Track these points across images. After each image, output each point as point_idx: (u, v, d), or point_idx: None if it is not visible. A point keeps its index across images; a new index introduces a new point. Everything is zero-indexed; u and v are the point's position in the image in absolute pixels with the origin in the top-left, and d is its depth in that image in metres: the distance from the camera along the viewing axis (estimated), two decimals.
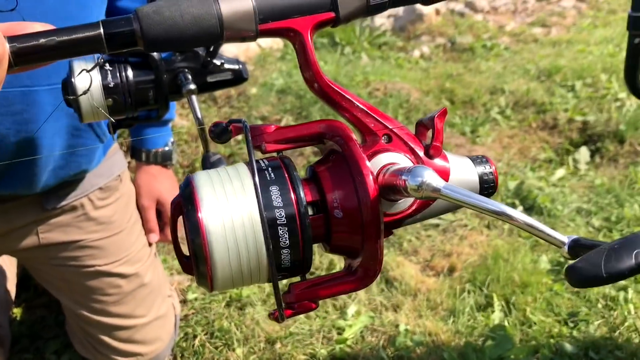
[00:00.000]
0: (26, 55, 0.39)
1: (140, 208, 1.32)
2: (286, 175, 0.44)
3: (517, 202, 2.00)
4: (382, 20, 4.08)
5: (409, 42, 3.81)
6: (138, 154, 1.32)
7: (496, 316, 1.50)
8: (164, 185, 1.33)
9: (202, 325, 1.57)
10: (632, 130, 2.40)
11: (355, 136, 0.47)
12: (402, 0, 0.47)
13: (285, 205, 0.43)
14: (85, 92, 0.52)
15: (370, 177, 0.44)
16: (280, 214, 0.43)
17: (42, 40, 0.40)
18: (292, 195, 0.43)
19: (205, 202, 0.42)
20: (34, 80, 0.91)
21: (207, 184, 0.43)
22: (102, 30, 0.40)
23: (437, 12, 4.10)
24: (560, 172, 2.22)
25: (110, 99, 0.71)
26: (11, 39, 0.39)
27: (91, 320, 1.27)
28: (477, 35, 3.88)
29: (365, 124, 0.48)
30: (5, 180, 1.01)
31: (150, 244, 1.33)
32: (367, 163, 0.44)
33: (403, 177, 0.41)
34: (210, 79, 0.78)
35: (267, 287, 1.67)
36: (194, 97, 0.73)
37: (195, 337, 1.53)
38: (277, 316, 0.46)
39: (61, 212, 1.17)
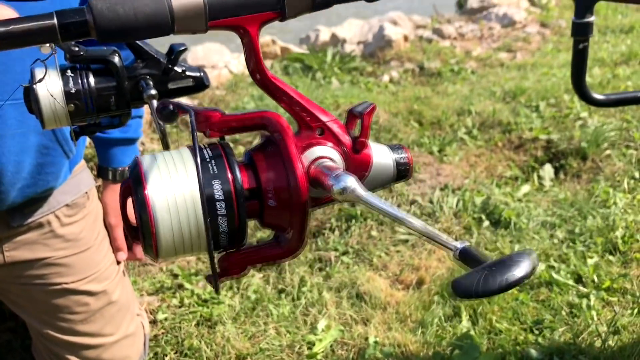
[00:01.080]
0: None
1: (107, 226, 1.32)
2: (225, 158, 0.48)
3: (483, 216, 2.04)
4: (352, 46, 4.16)
5: (379, 67, 3.89)
6: (105, 172, 1.32)
7: (464, 326, 1.52)
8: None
9: (172, 344, 1.56)
10: (594, 147, 2.48)
11: (293, 126, 0.52)
12: None
13: (223, 183, 0.47)
14: (40, 80, 0.54)
15: (303, 176, 0.49)
16: (219, 191, 0.47)
17: None
18: (230, 176, 0.48)
19: (151, 180, 0.46)
20: None
21: (153, 165, 0.47)
22: (55, 20, 0.42)
23: (406, 38, 4.20)
24: (526, 188, 2.28)
25: (72, 105, 0.72)
26: None
27: (58, 340, 1.25)
28: (444, 60, 3.98)
29: (302, 117, 0.52)
30: None
31: (118, 262, 1.33)
32: (300, 158, 0.49)
33: (330, 182, 0.46)
34: (171, 85, 0.80)
35: (237, 306, 1.68)
36: (154, 102, 0.75)
37: (165, 356, 1.52)
38: (212, 284, 0.50)
39: (27, 230, 1.16)
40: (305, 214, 0.50)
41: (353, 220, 2.02)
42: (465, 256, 0.43)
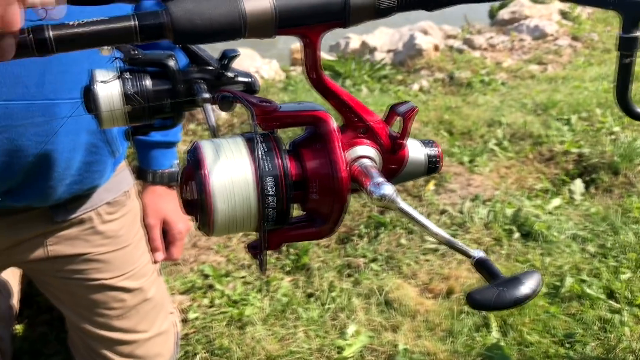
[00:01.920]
0: (65, 41, 0.44)
1: (146, 226, 1.34)
2: (277, 151, 0.53)
3: (514, 228, 2.03)
4: (382, 54, 4.18)
5: (409, 76, 3.89)
6: (144, 174, 1.35)
7: (494, 336, 1.52)
8: (169, 205, 1.36)
9: (203, 343, 1.58)
10: (626, 162, 2.45)
11: (339, 122, 0.57)
12: (408, 5, 0.52)
13: (274, 173, 0.52)
14: (104, 82, 0.57)
15: (347, 178, 0.53)
16: (270, 180, 0.52)
17: (80, 29, 0.44)
18: (280, 167, 0.52)
19: (209, 162, 0.50)
20: (57, 94, 0.95)
21: (211, 148, 0.52)
22: (135, 22, 0.44)
23: (436, 47, 4.20)
24: (556, 201, 2.26)
25: (129, 106, 0.75)
26: (54, 26, 0.43)
27: (94, 334, 1.28)
28: (475, 71, 3.97)
29: (349, 116, 0.57)
30: (22, 193, 1.04)
31: (155, 262, 1.35)
32: (345, 159, 0.54)
33: (371, 188, 0.51)
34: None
35: (267, 308, 1.69)
36: (208, 106, 0.77)
37: (195, 354, 1.54)
38: (258, 258, 0.55)
39: (70, 225, 1.19)
40: (344, 209, 0.55)
41: (382, 228, 2.02)
42: (481, 266, 0.50)
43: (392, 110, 0.58)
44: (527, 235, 1.99)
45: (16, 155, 0.96)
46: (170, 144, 1.35)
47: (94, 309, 1.25)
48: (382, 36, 4.43)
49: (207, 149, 0.52)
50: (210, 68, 0.82)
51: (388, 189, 0.51)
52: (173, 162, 1.37)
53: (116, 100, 0.75)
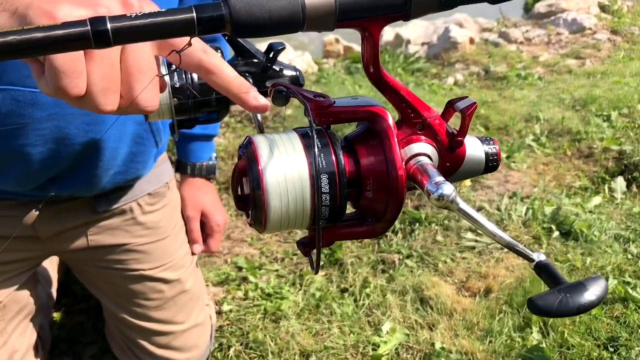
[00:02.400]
0: (124, 33, 0.43)
1: (185, 218, 1.35)
2: (331, 147, 0.52)
3: (553, 226, 1.98)
4: (416, 47, 4.13)
5: (443, 69, 3.84)
6: (183, 167, 1.36)
7: (534, 337, 1.49)
8: (208, 197, 1.37)
9: (237, 336, 1.58)
10: None
11: (395, 116, 0.55)
12: None
13: (329, 170, 0.51)
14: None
15: (403, 177, 0.52)
16: (325, 177, 0.50)
17: (139, 21, 0.43)
18: (335, 164, 0.51)
19: (264, 158, 0.50)
20: None
21: (265, 144, 0.51)
22: (194, 14, 0.43)
23: (471, 40, 4.13)
24: (597, 199, 2.20)
25: (175, 99, 0.74)
26: (111, 18, 0.42)
27: (132, 324, 1.29)
28: (511, 65, 3.90)
29: (406, 112, 0.55)
30: (66, 181, 1.05)
31: (193, 254, 1.36)
32: (402, 157, 0.52)
33: (429, 187, 0.49)
34: (268, 83, 0.81)
35: (301, 302, 1.69)
36: None
37: (230, 347, 1.54)
38: (309, 256, 0.55)
39: (111, 215, 1.20)
40: (399, 208, 0.54)
41: (417, 224, 2.00)
42: (543, 270, 0.49)
43: (450, 106, 0.56)
44: (567, 234, 1.95)
45: (63, 143, 0.97)
46: (209, 137, 1.36)
47: (132, 299, 1.27)
48: (417, 29, 4.38)
49: (261, 144, 0.51)
50: (256, 61, 0.81)
51: (447, 189, 0.49)
52: (211, 154, 1.37)
53: (163, 94, 0.74)
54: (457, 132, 0.55)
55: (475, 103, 0.55)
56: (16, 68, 0.90)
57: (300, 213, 0.51)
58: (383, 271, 1.82)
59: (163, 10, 0.45)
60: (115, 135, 1.03)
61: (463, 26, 4.44)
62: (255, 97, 0.58)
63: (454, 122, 0.55)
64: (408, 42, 4.22)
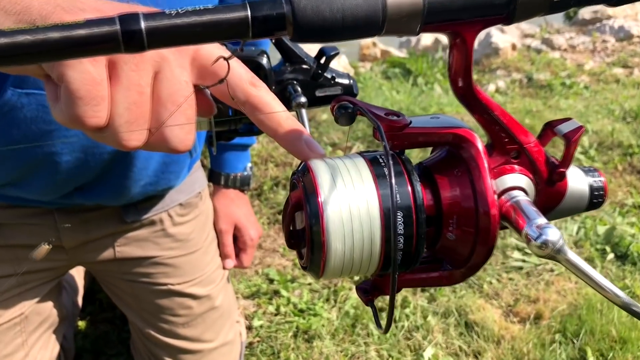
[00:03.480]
0: (160, 35, 0.34)
1: (217, 232, 1.27)
2: (407, 178, 0.42)
3: (607, 248, 1.85)
4: None
5: (484, 76, 3.71)
6: (217, 177, 1.29)
7: None
8: (241, 210, 1.29)
9: (268, 355, 1.50)
10: None
11: (484, 140, 0.46)
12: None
13: (404, 198, 0.41)
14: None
15: (498, 212, 0.42)
16: (399, 215, 0.41)
17: (180, 21, 0.34)
18: (412, 199, 0.42)
19: (325, 188, 0.41)
20: None
21: (326, 171, 0.42)
22: (248, 12, 0.34)
23: (514, 46, 3.99)
24: None
25: (215, 108, 0.65)
26: (145, 16, 0.33)
27: (158, 341, 1.22)
28: (554, 73, 3.75)
29: (500, 137, 0.45)
30: (94, 190, 0.98)
31: (224, 268, 1.28)
32: (492, 185, 0.42)
33: (529, 231, 0.41)
34: (319, 92, 0.72)
35: (336, 321, 1.59)
36: (303, 111, 0.67)
37: None
38: (373, 309, 0.46)
39: (140, 226, 1.13)
40: (488, 256, 0.44)
41: None
42: None
43: (549, 129, 0.46)
44: (623, 257, 1.81)
45: (91, 152, 0.90)
46: (245, 147, 1.27)
47: (159, 315, 1.20)
48: None
49: (321, 171, 0.42)
50: (306, 67, 0.72)
51: (553, 235, 0.40)
52: (246, 165, 1.29)
53: None
54: (558, 163, 0.46)
55: (582, 127, 0.45)
56: None
57: (367, 258, 0.42)
58: (423, 290, 1.72)
59: (210, 7, 0.36)
60: None
61: (504, 31, 4.29)
62: (309, 145, 0.47)
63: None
64: (447, 47, 4.09)
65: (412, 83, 3.43)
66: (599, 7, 5.36)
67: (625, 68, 4.01)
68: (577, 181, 0.48)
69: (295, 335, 1.54)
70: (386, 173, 0.42)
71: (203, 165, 1.26)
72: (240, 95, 0.46)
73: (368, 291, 0.47)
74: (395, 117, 0.43)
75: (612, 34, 4.73)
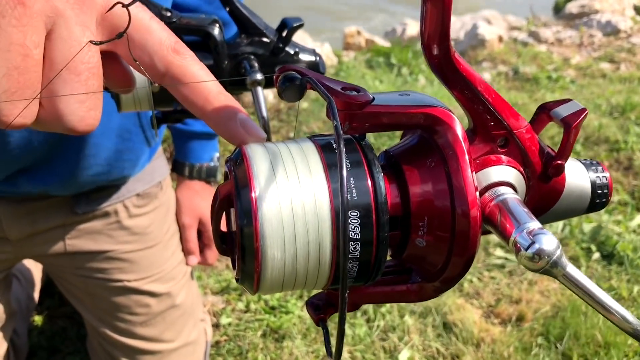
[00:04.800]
0: None
1: (180, 226, 1.18)
2: (367, 169, 0.34)
3: (593, 247, 1.79)
4: None
5: None
6: (181, 167, 1.20)
7: None
8: (207, 203, 1.20)
9: (235, 354, 1.41)
10: None
11: (465, 123, 0.37)
12: None
13: (361, 193, 0.33)
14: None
15: (479, 213, 0.33)
16: (355, 214, 0.32)
17: None
18: (370, 186, 0.33)
19: (261, 180, 0.32)
20: None
21: (264, 159, 0.33)
22: None
23: (500, 39, 3.92)
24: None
25: (156, 85, 0.56)
26: None
27: (114, 341, 1.14)
28: (541, 66, 3.68)
29: (484, 120, 0.37)
30: (39, 175, 0.89)
31: (187, 265, 1.20)
32: (473, 179, 0.33)
33: (518, 238, 0.33)
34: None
35: (308, 319, 1.51)
36: (259, 90, 0.58)
37: None
38: (324, 330, 0.37)
39: (92, 218, 1.04)
40: (467, 267, 0.35)
41: None
42: None
43: (544, 112, 0.38)
44: (609, 256, 1.75)
45: (36, 131, 0.81)
46: (212, 135, 1.18)
47: (115, 313, 1.11)
48: None
49: (258, 159, 0.33)
50: (266, 40, 0.63)
51: (549, 243, 0.31)
52: (213, 155, 1.20)
53: (140, 78, 0.56)
54: (555, 154, 0.37)
55: (585, 110, 0.37)
56: None
57: (314, 269, 0.33)
58: None
59: None
60: (98, 130, 0.85)
61: (491, 23, 4.22)
62: (245, 126, 0.38)
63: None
64: None
65: (396, 73, 3.35)
66: (587, 2, 5.31)
67: (612, 63, 3.96)
68: (577, 177, 0.40)
69: (264, 335, 1.46)
70: (344, 162, 0.33)
71: (168, 156, 1.17)
72: (160, 65, 0.37)
73: (320, 307, 0.38)
74: (354, 92, 0.34)
75: (599, 28, 4.69)
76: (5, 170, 0.87)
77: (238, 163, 0.34)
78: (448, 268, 0.34)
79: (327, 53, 3.57)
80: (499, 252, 1.75)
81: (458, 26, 4.11)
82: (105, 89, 0.61)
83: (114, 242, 1.07)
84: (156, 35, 0.36)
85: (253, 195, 0.32)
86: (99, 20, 0.36)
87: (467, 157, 0.33)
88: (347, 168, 0.33)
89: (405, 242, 0.36)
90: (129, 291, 1.09)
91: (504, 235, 0.33)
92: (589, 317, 1.43)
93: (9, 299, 1.14)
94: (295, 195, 0.32)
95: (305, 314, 1.53)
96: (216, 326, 1.50)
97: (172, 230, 1.16)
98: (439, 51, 0.33)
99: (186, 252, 1.19)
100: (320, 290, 0.38)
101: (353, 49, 3.88)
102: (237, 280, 0.35)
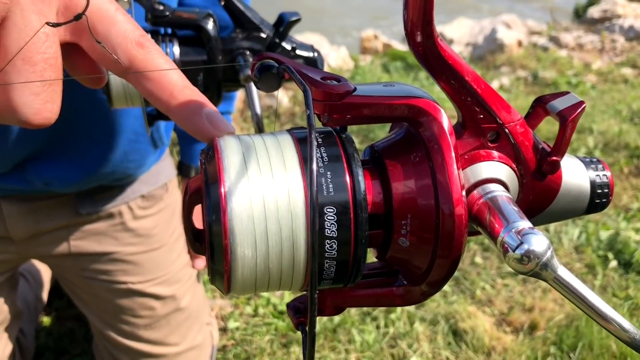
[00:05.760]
0: None
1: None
2: (345, 164, 0.32)
3: (610, 255, 1.74)
4: (460, 47, 3.89)
5: (488, 72, 3.60)
6: (186, 170, 1.19)
7: None
8: None
9: (242, 359, 1.39)
10: None
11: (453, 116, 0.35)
12: None
13: (338, 189, 0.31)
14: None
15: (465, 212, 0.31)
16: (331, 212, 0.31)
17: None
18: (349, 181, 0.31)
19: (232, 173, 0.30)
20: None
21: (236, 152, 0.31)
22: None
23: (520, 43, 3.87)
24: None
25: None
26: None
27: (119, 344, 1.13)
28: (561, 71, 3.63)
29: (473, 112, 0.34)
30: (43, 167, 0.89)
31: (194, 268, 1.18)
32: (460, 175, 0.31)
33: (506, 240, 0.30)
34: None
35: (317, 324, 1.49)
36: (252, 86, 0.57)
37: None
38: (303, 333, 0.35)
39: (96, 219, 1.03)
40: (453, 270, 0.33)
41: None
42: None
43: (540, 106, 0.36)
44: (627, 265, 1.70)
45: None
46: None
47: (119, 316, 1.10)
48: (461, 27, 4.13)
49: (230, 151, 0.31)
50: (262, 35, 0.61)
51: (539, 243, 0.29)
52: None
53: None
54: (551, 149, 0.35)
55: (583, 103, 0.34)
56: None
57: (288, 268, 0.31)
58: None
59: None
60: (108, 127, 0.86)
61: (511, 27, 4.17)
62: (212, 120, 0.35)
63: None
64: (451, 41, 3.98)
65: (413, 77, 3.32)
66: (609, 6, 5.24)
67: (635, 68, 3.89)
68: (575, 175, 0.37)
69: (272, 340, 1.44)
70: (321, 164, 0.31)
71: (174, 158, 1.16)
72: (123, 58, 0.35)
73: (301, 311, 0.36)
74: (334, 82, 0.32)
75: (622, 33, 4.61)
76: (12, 159, 0.87)
77: (209, 156, 0.32)
78: (433, 270, 0.32)
79: (343, 57, 3.56)
80: None
81: (477, 30, 4.07)
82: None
83: (119, 244, 1.06)
84: (120, 27, 0.35)
85: (222, 190, 0.30)
86: (61, 10, 0.34)
87: (452, 151, 0.31)
88: (324, 162, 0.31)
89: (388, 242, 0.34)
90: (133, 293, 1.08)
91: (492, 236, 0.31)
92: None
93: (15, 299, 1.13)
94: (268, 190, 0.30)
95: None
96: (224, 330, 1.48)
97: (177, 233, 1.14)
98: (423, 38, 0.31)
99: (192, 255, 1.17)
100: (300, 293, 0.36)
101: (370, 53, 3.86)
102: (210, 280, 0.33)
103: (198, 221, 0.34)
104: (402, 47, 3.95)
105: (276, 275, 0.32)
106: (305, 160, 0.31)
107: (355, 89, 0.32)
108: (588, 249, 1.76)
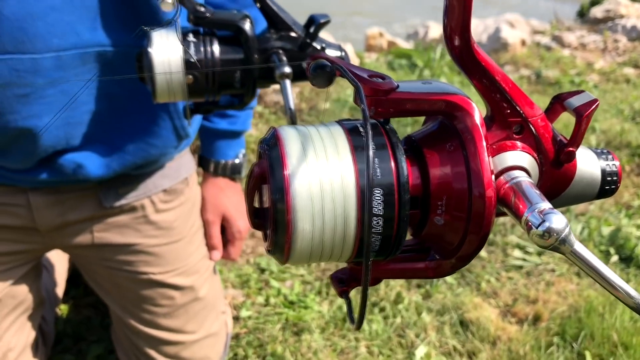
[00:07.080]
0: None
1: (204, 222, 1.21)
2: (390, 152, 0.36)
3: (612, 250, 1.78)
4: None
5: None
6: (206, 163, 1.22)
7: None
8: (231, 200, 1.22)
9: (254, 347, 1.44)
10: None
11: (482, 110, 0.40)
12: None
13: (385, 174, 0.36)
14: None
15: (494, 194, 0.36)
16: (379, 193, 0.35)
17: None
18: (395, 177, 0.36)
19: (293, 159, 0.35)
20: (112, 39, 0.84)
21: (296, 140, 0.36)
22: None
23: (523, 42, 3.91)
24: None
25: (190, 76, 0.59)
26: None
27: (138, 331, 1.17)
28: (564, 70, 3.67)
29: (501, 108, 0.39)
30: (75, 151, 0.93)
31: (211, 260, 1.22)
32: (489, 163, 0.36)
33: (529, 217, 0.35)
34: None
35: (326, 314, 1.53)
36: (287, 83, 0.61)
37: (245, 358, 1.40)
38: (347, 301, 0.42)
39: (119, 212, 1.07)
40: (482, 245, 0.38)
41: None
42: None
43: (558, 102, 0.40)
44: (628, 260, 1.74)
45: (71, 107, 0.87)
46: (237, 134, 1.20)
47: (140, 305, 1.14)
48: None
49: (290, 139, 0.36)
50: (294, 35, 0.65)
51: (558, 222, 0.34)
52: (239, 151, 1.22)
53: (175, 69, 0.60)
54: (567, 141, 0.39)
55: (596, 100, 0.39)
56: (10, 33, 0.78)
57: (339, 242, 0.36)
58: (419, 286, 1.66)
59: None
60: (135, 107, 0.91)
61: (514, 26, 4.21)
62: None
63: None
64: None
65: (417, 75, 3.36)
66: (612, 6, 5.27)
67: (637, 68, 3.93)
68: (588, 164, 0.42)
69: (283, 328, 1.48)
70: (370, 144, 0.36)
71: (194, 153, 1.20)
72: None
73: (344, 281, 0.41)
74: (380, 80, 0.37)
75: (624, 33, 4.65)
76: (43, 152, 0.91)
77: (272, 144, 0.36)
78: (464, 246, 0.37)
79: (349, 54, 3.60)
80: (517, 253, 1.76)
81: (480, 29, 4.11)
82: (142, 81, 0.64)
83: (141, 236, 1.09)
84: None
85: (286, 172, 0.34)
86: None
87: (484, 142, 0.36)
88: (373, 149, 0.35)
89: (424, 221, 0.38)
90: (154, 284, 1.12)
91: (517, 215, 0.35)
92: (606, 318, 1.43)
93: (39, 287, 1.17)
94: (324, 173, 0.35)
95: (324, 309, 1.55)
96: (236, 319, 1.53)
97: (196, 225, 1.18)
98: (460, 42, 0.35)
99: (209, 247, 1.21)
100: (344, 264, 0.41)
101: (375, 50, 3.90)
102: (268, 251, 0.38)
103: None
104: (406, 44, 3.99)
105: (329, 247, 0.36)
106: (355, 148, 0.36)
107: (398, 86, 0.37)
108: (590, 244, 1.80)
